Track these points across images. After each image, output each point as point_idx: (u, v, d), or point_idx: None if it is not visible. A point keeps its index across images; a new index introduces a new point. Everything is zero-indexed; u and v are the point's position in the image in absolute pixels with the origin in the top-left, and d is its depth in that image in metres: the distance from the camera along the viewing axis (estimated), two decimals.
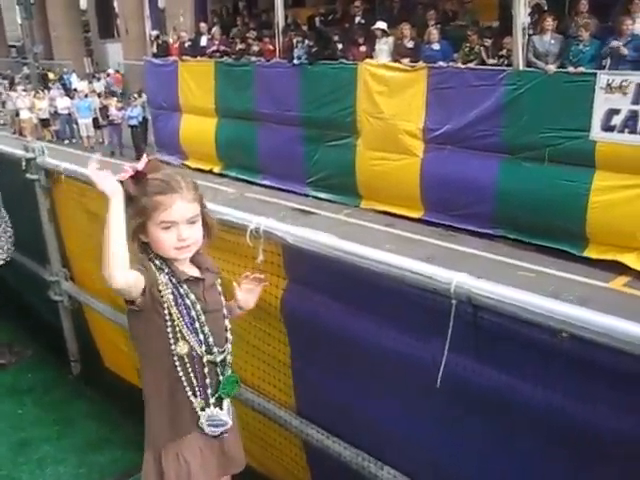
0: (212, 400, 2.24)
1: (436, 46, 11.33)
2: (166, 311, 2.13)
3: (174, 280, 2.15)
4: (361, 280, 2.04)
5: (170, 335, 2.15)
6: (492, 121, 10.47)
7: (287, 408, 2.55)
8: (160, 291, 2.11)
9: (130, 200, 2.11)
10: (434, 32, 11.36)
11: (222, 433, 2.29)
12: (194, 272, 2.21)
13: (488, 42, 10.93)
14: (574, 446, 1.76)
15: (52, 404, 3.98)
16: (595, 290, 9.04)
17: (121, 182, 2.10)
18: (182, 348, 2.16)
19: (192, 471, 2.23)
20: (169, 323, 2.14)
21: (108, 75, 27.08)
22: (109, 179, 1.98)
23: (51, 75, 28.80)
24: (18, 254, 4.33)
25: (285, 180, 13.92)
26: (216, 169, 15.60)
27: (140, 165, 2.11)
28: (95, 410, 3.90)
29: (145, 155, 2.24)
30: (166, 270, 2.13)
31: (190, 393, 2.21)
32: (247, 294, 2.39)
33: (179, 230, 2.10)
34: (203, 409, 2.23)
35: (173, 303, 2.14)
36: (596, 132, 9.34)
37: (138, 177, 2.10)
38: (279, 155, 13.88)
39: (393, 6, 13.68)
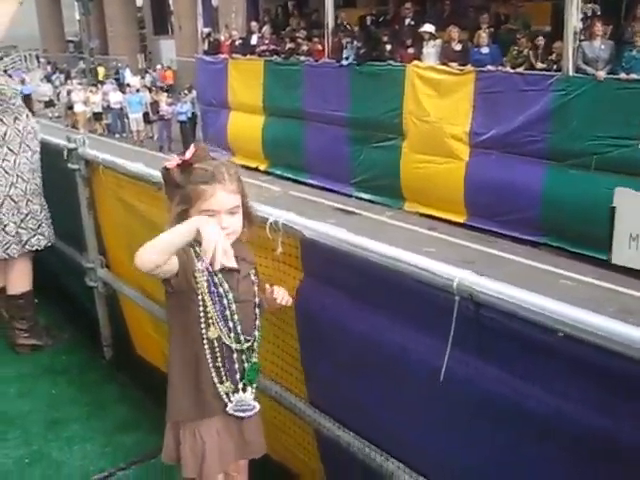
0: (240, 385, 2.33)
1: (485, 50, 11.29)
2: (200, 297, 2.23)
3: (210, 268, 2.22)
4: (371, 275, 2.08)
5: (202, 320, 2.24)
6: (540, 127, 10.35)
7: (300, 398, 2.60)
8: (196, 277, 2.21)
9: (176, 187, 2.20)
10: (483, 35, 11.31)
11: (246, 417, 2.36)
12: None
13: (541, 42, 10.76)
14: (581, 450, 1.76)
15: (84, 386, 4.11)
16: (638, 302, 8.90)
17: (168, 169, 2.20)
18: (213, 333, 2.26)
19: (207, 452, 2.30)
20: (201, 309, 2.24)
21: (155, 71, 27.59)
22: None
23: (101, 70, 29.33)
24: (58, 241, 4.48)
25: (330, 180, 14.01)
26: (262, 167, 15.78)
27: (187, 154, 2.20)
28: (125, 395, 4.01)
29: (193, 145, 2.33)
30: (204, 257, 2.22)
31: (217, 378, 2.29)
32: (274, 298, 2.44)
33: (219, 219, 2.19)
34: (233, 393, 2.31)
35: (207, 290, 2.24)
36: None
37: (184, 165, 2.20)
38: (325, 154, 13.96)
39: (444, 9, 13.64)
